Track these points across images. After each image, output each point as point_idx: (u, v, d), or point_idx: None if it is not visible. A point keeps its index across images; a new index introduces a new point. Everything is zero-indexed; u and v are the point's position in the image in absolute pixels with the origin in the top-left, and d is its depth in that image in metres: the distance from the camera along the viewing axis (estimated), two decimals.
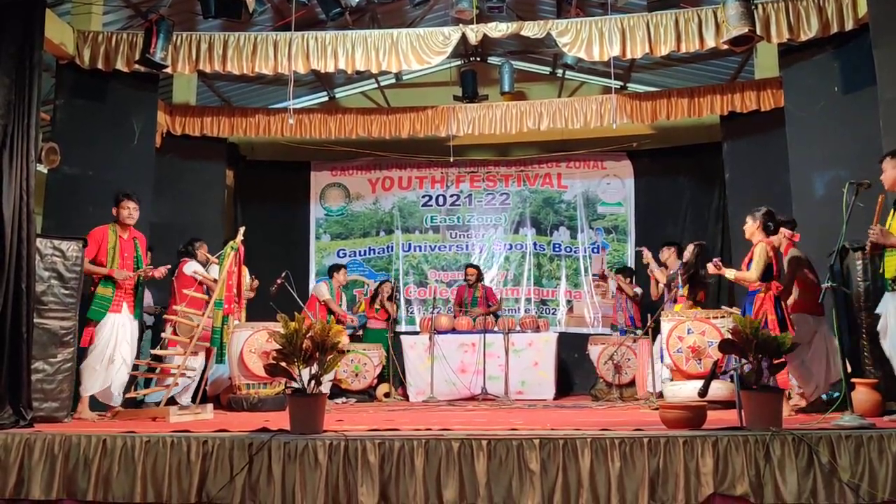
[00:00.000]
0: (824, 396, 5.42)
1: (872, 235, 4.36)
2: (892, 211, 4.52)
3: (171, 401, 5.79)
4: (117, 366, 5.54)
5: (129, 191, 5.79)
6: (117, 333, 5.57)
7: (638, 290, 8.58)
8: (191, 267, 6.62)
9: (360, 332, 9.06)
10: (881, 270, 4.55)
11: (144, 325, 7.20)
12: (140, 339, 6.97)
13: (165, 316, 6.36)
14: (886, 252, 4.45)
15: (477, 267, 9.32)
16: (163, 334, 6.26)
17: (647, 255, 7.76)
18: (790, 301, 5.33)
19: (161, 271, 6.03)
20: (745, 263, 5.35)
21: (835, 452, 3.56)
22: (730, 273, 5.47)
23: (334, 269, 8.89)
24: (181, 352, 5.80)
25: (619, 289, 8.66)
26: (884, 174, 4.60)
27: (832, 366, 5.32)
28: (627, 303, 8.58)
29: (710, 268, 5.65)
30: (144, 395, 6.07)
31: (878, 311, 4.63)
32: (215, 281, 6.02)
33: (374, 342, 8.58)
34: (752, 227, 5.39)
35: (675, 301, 7.21)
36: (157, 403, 5.70)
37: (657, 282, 7.67)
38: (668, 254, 7.66)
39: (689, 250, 6.91)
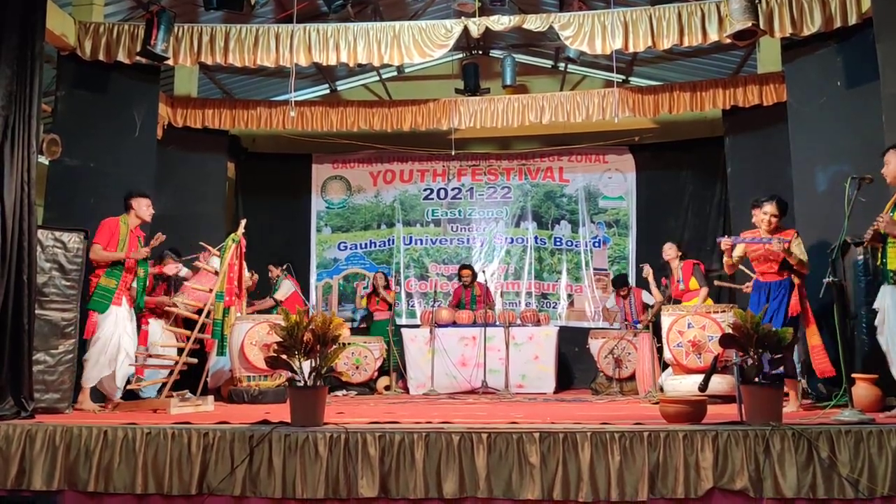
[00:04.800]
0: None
1: (880, 223, 4.35)
2: (892, 203, 4.53)
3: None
4: (121, 358, 5.56)
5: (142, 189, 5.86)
6: (120, 325, 5.58)
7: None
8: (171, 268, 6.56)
9: (364, 325, 9.07)
10: (880, 263, 4.53)
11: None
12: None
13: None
14: (889, 243, 4.43)
15: (471, 267, 9.27)
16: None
17: (648, 271, 7.82)
18: None
19: (146, 251, 5.74)
20: (764, 258, 5.25)
21: (834, 447, 3.57)
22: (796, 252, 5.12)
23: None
24: (174, 343, 5.85)
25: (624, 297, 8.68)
26: (886, 167, 4.58)
27: None
28: (631, 304, 8.60)
29: (776, 244, 5.09)
30: (143, 387, 6.08)
31: (875, 305, 4.62)
32: (215, 273, 6.01)
33: (380, 334, 8.62)
34: (774, 217, 5.25)
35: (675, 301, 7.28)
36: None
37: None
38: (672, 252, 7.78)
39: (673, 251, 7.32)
